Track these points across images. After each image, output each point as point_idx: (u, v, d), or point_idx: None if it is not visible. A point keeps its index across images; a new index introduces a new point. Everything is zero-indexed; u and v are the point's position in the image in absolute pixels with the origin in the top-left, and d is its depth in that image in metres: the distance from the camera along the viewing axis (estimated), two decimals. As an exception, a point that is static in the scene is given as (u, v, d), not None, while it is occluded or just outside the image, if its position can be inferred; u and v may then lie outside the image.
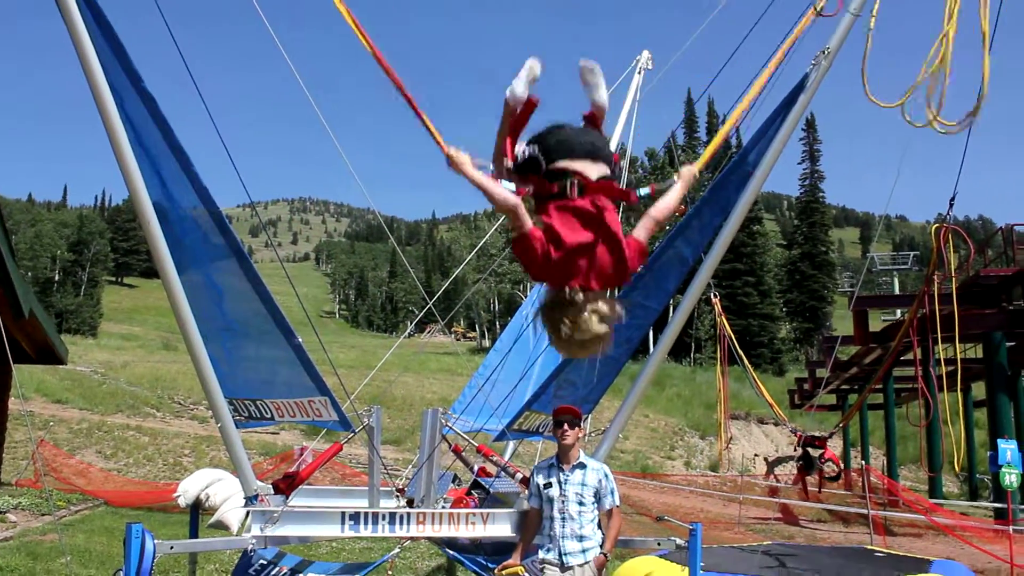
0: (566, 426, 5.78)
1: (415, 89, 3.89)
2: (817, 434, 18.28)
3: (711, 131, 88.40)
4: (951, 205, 9.27)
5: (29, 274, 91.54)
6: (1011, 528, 13.21)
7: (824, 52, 5.57)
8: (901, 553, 9.94)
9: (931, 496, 22.92)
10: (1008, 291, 19.17)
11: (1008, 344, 19.75)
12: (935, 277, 12.26)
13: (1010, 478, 13.99)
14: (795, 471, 24.16)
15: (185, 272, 5.79)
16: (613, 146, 9.54)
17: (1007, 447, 14.23)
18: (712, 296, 17.75)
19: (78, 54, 4.93)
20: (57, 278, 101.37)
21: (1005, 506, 14.95)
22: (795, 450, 17.62)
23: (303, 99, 6.13)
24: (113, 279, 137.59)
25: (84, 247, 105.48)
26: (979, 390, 21.04)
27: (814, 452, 17.21)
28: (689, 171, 4.00)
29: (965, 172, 8.31)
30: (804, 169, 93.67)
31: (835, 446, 20.01)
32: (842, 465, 18.38)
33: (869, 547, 12.01)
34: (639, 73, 9.44)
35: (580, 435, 5.87)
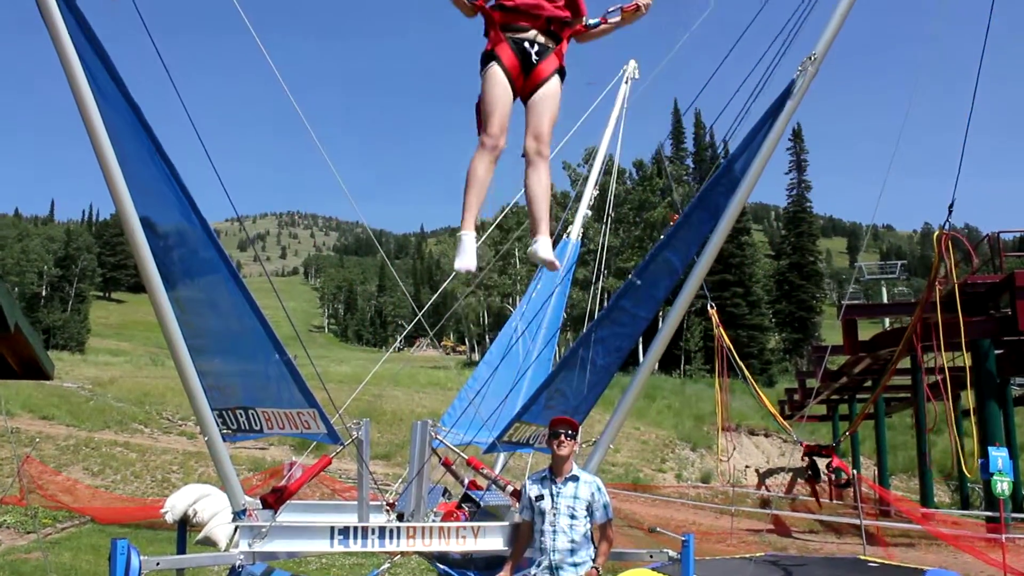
0: (563, 437, 5.73)
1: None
2: (823, 443, 18.32)
3: (698, 142, 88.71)
4: (950, 211, 9.27)
5: (16, 289, 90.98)
6: (1003, 536, 13.20)
7: (811, 58, 5.55)
8: (895, 563, 9.92)
9: (923, 506, 22.88)
10: (995, 298, 19.22)
11: (996, 352, 19.79)
12: (937, 284, 12.17)
13: (1002, 486, 14.00)
14: (786, 482, 24.10)
15: (174, 287, 5.73)
16: (600, 157, 9.55)
17: (998, 455, 14.24)
18: (709, 307, 17.65)
19: (62, 64, 4.89)
20: (44, 294, 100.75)
21: (997, 514, 14.94)
22: (802, 459, 17.61)
23: (291, 112, 6.10)
24: (101, 294, 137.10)
25: (71, 262, 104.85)
26: (965, 399, 21.05)
27: (821, 461, 17.26)
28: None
29: (952, 181, 8.35)
30: (791, 179, 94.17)
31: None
32: (852, 472, 18.36)
33: (862, 557, 11.99)
34: (626, 83, 9.43)
35: (575, 447, 5.82)
